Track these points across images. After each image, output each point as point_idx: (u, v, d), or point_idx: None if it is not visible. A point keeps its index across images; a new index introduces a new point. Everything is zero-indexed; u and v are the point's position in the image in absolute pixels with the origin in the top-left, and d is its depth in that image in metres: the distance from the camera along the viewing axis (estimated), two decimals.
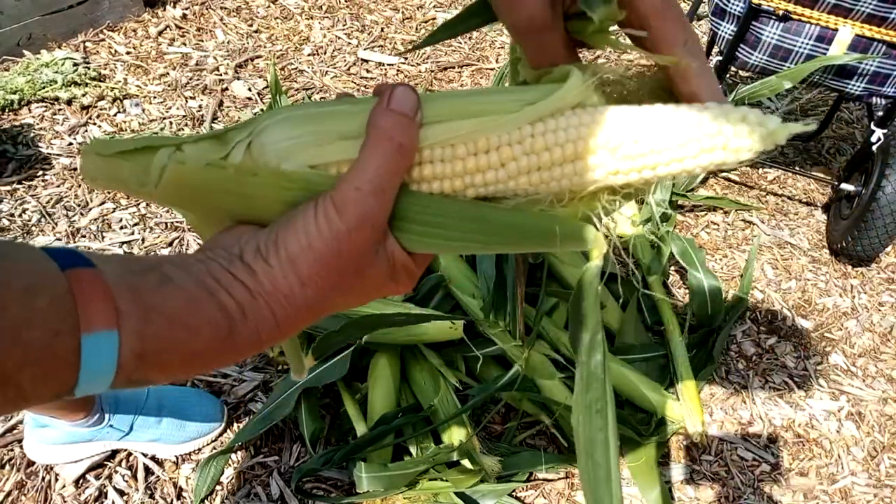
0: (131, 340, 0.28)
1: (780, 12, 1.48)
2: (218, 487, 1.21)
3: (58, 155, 1.78)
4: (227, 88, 2.09)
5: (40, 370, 0.25)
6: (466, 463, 1.18)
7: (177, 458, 1.24)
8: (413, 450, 1.22)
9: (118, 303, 0.27)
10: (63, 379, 0.26)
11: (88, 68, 2.02)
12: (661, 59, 0.38)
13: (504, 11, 0.39)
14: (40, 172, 1.72)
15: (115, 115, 1.93)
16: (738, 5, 1.56)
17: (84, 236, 1.60)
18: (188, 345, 0.31)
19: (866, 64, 1.51)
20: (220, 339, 0.32)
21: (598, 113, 0.38)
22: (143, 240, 1.61)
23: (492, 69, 2.38)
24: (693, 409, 1.34)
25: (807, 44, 1.51)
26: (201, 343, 0.31)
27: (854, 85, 1.57)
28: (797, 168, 2.02)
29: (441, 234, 0.39)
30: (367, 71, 2.29)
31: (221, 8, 2.44)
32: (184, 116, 1.96)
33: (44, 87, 1.91)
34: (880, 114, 1.71)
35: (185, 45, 2.25)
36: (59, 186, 1.70)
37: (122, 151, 0.37)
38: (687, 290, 1.61)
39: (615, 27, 0.38)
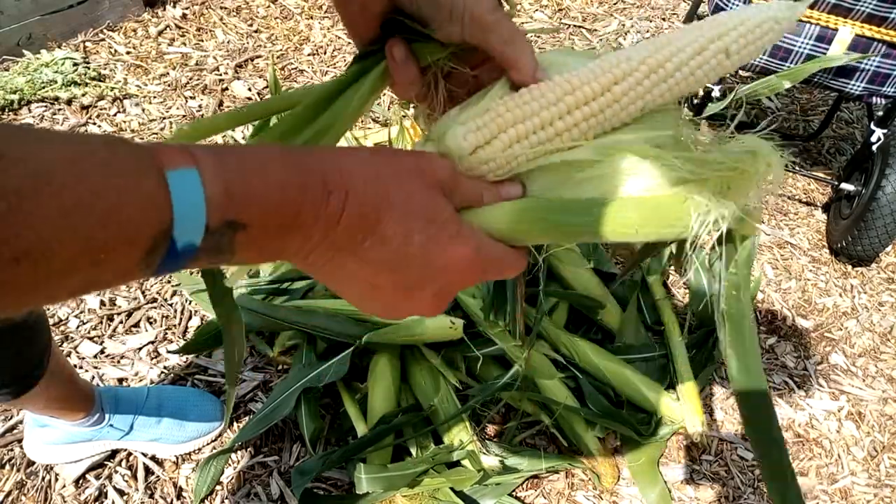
0: (212, 177, 0.30)
1: None
2: (218, 487, 1.21)
3: None
4: (227, 88, 2.09)
5: (139, 206, 0.27)
6: (466, 463, 1.18)
7: (177, 458, 1.24)
8: (413, 450, 1.22)
9: (193, 151, 0.30)
10: (160, 214, 0.28)
11: (88, 68, 2.01)
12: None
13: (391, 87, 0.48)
14: None
15: (115, 115, 1.93)
16: (737, 5, 1.56)
17: None
18: (265, 179, 0.32)
19: (866, 64, 1.51)
20: (294, 184, 0.33)
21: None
22: None
23: None
24: (693, 409, 1.34)
25: (807, 43, 1.51)
26: (276, 178, 0.33)
27: (854, 85, 1.57)
28: (797, 168, 2.02)
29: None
30: None
31: (221, 8, 2.44)
32: (183, 116, 1.96)
33: (44, 87, 1.91)
34: (880, 114, 1.71)
35: (185, 44, 2.25)
36: None
37: None
38: (687, 290, 1.61)
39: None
